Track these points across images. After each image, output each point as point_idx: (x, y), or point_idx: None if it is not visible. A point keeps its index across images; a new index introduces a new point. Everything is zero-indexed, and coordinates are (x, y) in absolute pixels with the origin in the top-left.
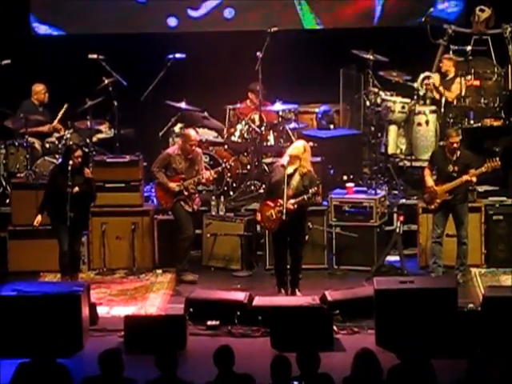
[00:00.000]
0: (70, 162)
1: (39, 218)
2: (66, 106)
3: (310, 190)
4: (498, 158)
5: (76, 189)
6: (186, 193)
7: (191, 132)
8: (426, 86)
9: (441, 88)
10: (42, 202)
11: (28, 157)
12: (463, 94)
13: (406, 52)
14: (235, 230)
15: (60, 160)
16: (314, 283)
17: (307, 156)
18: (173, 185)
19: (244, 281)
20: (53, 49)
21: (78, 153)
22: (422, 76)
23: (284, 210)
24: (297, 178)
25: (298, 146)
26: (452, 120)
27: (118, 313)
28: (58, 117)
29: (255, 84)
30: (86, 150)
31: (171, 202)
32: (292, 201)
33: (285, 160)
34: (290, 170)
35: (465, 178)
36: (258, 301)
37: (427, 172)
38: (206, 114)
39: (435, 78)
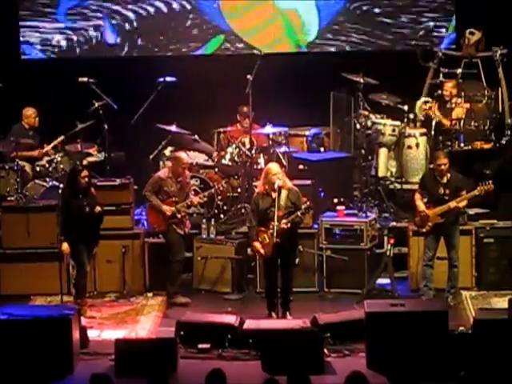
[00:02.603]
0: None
1: (66, 245)
2: (62, 137)
3: (303, 206)
4: (491, 181)
5: (99, 208)
6: (178, 216)
7: (183, 155)
8: (426, 111)
9: (438, 113)
10: (63, 229)
11: (18, 180)
12: (463, 117)
13: (396, 75)
14: (226, 253)
15: (67, 183)
16: (305, 306)
17: (284, 173)
18: (166, 208)
19: (235, 304)
20: (43, 72)
21: (85, 173)
22: (419, 102)
23: (275, 233)
24: (283, 196)
25: (274, 164)
26: (442, 143)
27: (109, 336)
28: (51, 145)
29: (242, 107)
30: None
31: (164, 226)
32: (285, 221)
33: (260, 186)
34: (273, 195)
35: (452, 204)
36: (249, 324)
37: (418, 196)
38: (196, 137)
39: (433, 105)
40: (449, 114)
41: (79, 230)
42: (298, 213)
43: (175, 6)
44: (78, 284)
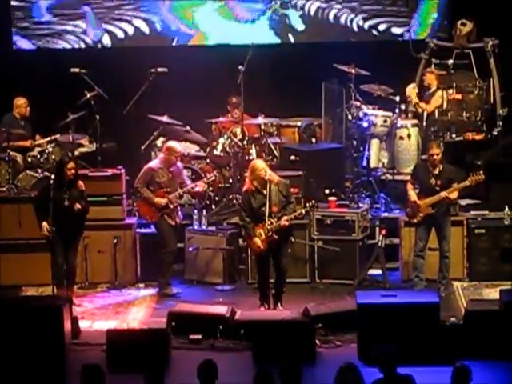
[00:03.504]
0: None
1: (45, 224)
2: (57, 135)
3: (307, 204)
4: (481, 172)
5: (78, 206)
6: (171, 206)
7: (176, 144)
8: (407, 100)
9: (417, 101)
10: (37, 214)
11: (10, 171)
12: (444, 106)
13: (387, 66)
14: (217, 243)
15: (55, 174)
16: (297, 297)
17: (269, 168)
18: (158, 200)
19: (226, 295)
20: (34, 63)
21: (71, 165)
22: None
23: (270, 227)
24: (274, 190)
25: (259, 160)
26: (434, 134)
27: (100, 327)
28: (45, 140)
29: (231, 97)
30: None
31: (156, 217)
32: (286, 217)
33: (248, 183)
34: (264, 191)
35: (443, 194)
36: (240, 315)
37: (410, 186)
38: (188, 127)
39: (411, 93)
40: (428, 101)
41: (56, 222)
42: (303, 210)
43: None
44: (54, 276)
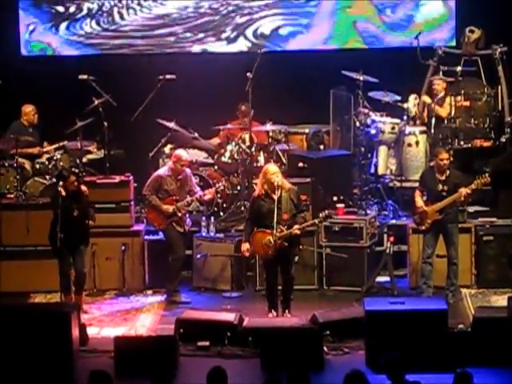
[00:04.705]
0: (61, 189)
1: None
2: (65, 142)
3: (320, 214)
4: (487, 174)
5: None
6: (179, 214)
7: (182, 152)
8: (417, 106)
9: (433, 105)
10: (56, 225)
11: (18, 178)
12: (452, 113)
13: (396, 73)
14: (225, 250)
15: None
16: (304, 304)
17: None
18: (167, 207)
19: (234, 302)
20: (43, 70)
21: (72, 179)
22: (412, 96)
23: (281, 234)
24: (285, 197)
25: (271, 165)
26: (442, 140)
27: (108, 334)
28: (53, 146)
29: (240, 105)
30: (77, 170)
31: (164, 224)
32: (297, 226)
33: (259, 187)
34: (274, 196)
35: (450, 199)
36: (248, 322)
37: (418, 193)
38: (196, 134)
39: (426, 98)
40: (441, 105)
41: (64, 230)
42: (316, 221)
43: None
44: (62, 284)
